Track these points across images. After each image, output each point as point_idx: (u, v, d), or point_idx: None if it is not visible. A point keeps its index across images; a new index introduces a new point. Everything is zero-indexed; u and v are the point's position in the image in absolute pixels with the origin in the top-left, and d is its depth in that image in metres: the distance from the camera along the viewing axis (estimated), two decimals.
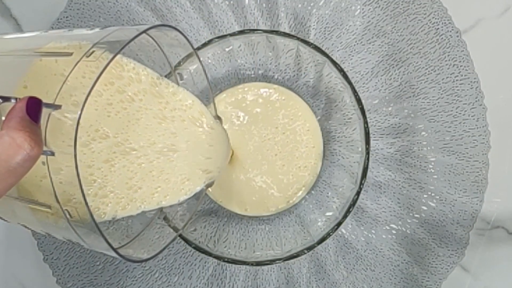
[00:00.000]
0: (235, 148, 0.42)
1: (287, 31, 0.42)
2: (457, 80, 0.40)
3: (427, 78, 0.41)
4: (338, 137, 0.40)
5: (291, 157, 0.41)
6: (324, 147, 0.41)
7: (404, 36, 0.41)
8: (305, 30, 0.42)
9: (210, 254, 0.36)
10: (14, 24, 0.43)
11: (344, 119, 0.39)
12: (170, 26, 0.27)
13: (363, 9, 0.41)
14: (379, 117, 0.41)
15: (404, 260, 0.40)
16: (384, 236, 0.41)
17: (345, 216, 0.36)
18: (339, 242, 0.41)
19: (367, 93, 0.41)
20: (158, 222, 0.35)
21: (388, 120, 0.41)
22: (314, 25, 0.41)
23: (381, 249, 0.41)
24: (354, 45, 0.41)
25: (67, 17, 0.42)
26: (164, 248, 0.30)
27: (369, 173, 0.41)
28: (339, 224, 0.36)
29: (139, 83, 0.31)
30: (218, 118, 0.35)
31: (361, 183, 0.36)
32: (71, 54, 0.22)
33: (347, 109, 0.38)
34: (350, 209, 0.36)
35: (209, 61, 0.40)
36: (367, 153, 0.36)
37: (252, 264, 0.36)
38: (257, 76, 0.42)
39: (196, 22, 0.42)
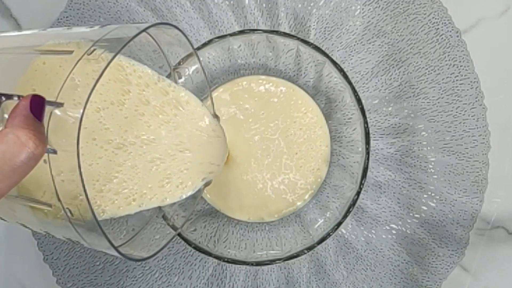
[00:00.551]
0: (236, 148, 0.41)
1: (287, 31, 0.42)
2: (457, 80, 0.40)
3: (427, 78, 0.41)
4: (338, 137, 0.40)
5: (296, 159, 0.41)
6: None
7: (404, 36, 0.41)
8: (305, 30, 0.42)
9: (210, 254, 0.36)
10: (14, 24, 0.43)
11: (344, 119, 0.39)
12: (170, 24, 0.27)
13: (363, 9, 0.41)
14: (379, 117, 0.41)
15: (404, 260, 0.40)
16: (384, 236, 0.41)
17: (345, 216, 0.36)
18: (339, 242, 0.41)
19: (367, 93, 0.41)
20: (157, 221, 0.35)
21: (388, 120, 0.41)
22: (314, 25, 0.41)
23: (381, 249, 0.41)
24: (354, 45, 0.41)
25: (67, 17, 0.42)
26: (163, 247, 0.30)
27: (369, 173, 0.41)
28: (339, 224, 0.36)
29: (139, 83, 0.31)
30: (216, 116, 0.35)
31: (361, 183, 0.36)
32: (71, 52, 0.22)
33: (347, 109, 0.38)
34: (350, 209, 0.36)
35: (209, 61, 0.40)
36: (367, 153, 0.36)
37: (252, 264, 0.36)
38: None
39: (196, 22, 0.42)
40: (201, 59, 0.36)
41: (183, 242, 0.37)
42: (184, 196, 0.33)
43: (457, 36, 0.40)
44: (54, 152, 0.20)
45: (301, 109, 0.41)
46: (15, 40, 0.27)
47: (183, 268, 0.41)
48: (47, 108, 0.20)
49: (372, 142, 0.41)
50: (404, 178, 0.41)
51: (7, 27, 0.43)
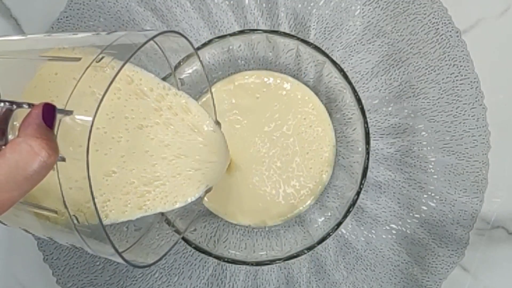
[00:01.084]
0: (238, 152, 0.40)
1: (287, 31, 0.42)
2: (457, 80, 0.40)
3: (427, 78, 0.41)
4: (338, 137, 0.40)
5: (307, 159, 0.40)
6: None
7: (404, 36, 0.41)
8: (305, 30, 0.42)
9: (210, 254, 0.36)
10: (14, 24, 0.43)
11: (344, 119, 0.39)
12: (177, 33, 0.27)
13: (363, 9, 0.41)
14: (379, 117, 0.41)
15: (404, 260, 0.41)
16: (384, 236, 0.41)
17: (345, 216, 0.36)
18: (339, 242, 0.41)
19: (367, 93, 0.41)
20: (160, 226, 0.35)
21: (388, 120, 0.41)
22: (314, 25, 0.41)
23: (381, 249, 0.41)
24: (354, 45, 0.41)
25: (67, 17, 0.42)
26: (167, 252, 0.30)
27: (369, 173, 0.41)
28: (339, 224, 0.36)
29: (144, 92, 0.31)
30: (217, 123, 0.35)
31: (361, 183, 0.36)
32: (79, 59, 0.22)
33: (347, 109, 0.38)
34: (350, 209, 0.36)
35: (209, 61, 0.40)
36: (367, 153, 0.36)
37: (252, 264, 0.36)
38: None
39: (196, 22, 0.42)
40: (201, 59, 0.36)
41: (183, 242, 0.37)
42: (187, 202, 0.33)
43: (457, 36, 0.40)
44: (63, 159, 0.20)
45: (308, 104, 0.40)
46: (20, 44, 0.27)
47: (183, 268, 0.41)
48: (57, 116, 0.20)
49: (372, 142, 0.41)
50: (404, 178, 0.41)
51: (7, 27, 0.43)
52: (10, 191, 0.19)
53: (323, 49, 0.37)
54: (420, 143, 0.41)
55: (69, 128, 0.20)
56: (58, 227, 0.23)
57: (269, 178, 0.40)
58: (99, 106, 0.20)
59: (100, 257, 0.41)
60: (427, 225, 0.40)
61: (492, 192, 0.40)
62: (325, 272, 0.41)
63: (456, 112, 0.40)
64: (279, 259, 0.36)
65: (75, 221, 0.22)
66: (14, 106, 0.21)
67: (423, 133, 0.41)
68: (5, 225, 0.27)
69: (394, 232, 0.41)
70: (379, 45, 0.41)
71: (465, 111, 0.40)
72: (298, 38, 0.36)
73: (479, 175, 0.40)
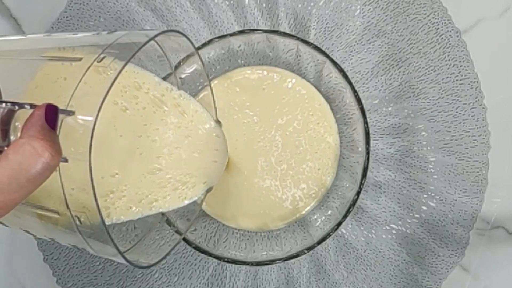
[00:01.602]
0: (239, 152, 0.39)
1: (287, 31, 0.42)
2: (457, 80, 0.40)
3: (427, 78, 0.41)
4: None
5: (311, 162, 0.39)
6: None
7: (404, 36, 0.41)
8: (305, 30, 0.42)
9: (210, 254, 0.36)
10: (14, 24, 0.43)
11: (344, 119, 0.39)
12: (178, 32, 0.27)
13: (363, 9, 0.41)
14: (379, 117, 0.41)
15: (404, 260, 0.41)
16: (384, 236, 0.41)
17: (345, 216, 0.36)
18: (339, 242, 0.41)
19: (367, 93, 0.41)
20: (160, 226, 0.35)
21: (388, 120, 0.41)
22: (314, 25, 0.41)
23: (381, 249, 0.41)
24: (354, 45, 0.41)
25: (67, 17, 0.42)
26: (169, 252, 0.30)
27: (369, 173, 0.41)
28: (339, 224, 0.36)
29: (147, 92, 0.31)
30: (218, 122, 0.35)
31: (361, 183, 0.36)
32: (80, 59, 0.22)
33: (347, 109, 0.38)
34: (350, 209, 0.36)
35: (209, 61, 0.40)
36: (367, 153, 0.36)
37: (252, 264, 0.36)
38: None
39: (196, 22, 0.42)
40: (200, 61, 0.36)
41: (183, 242, 0.37)
42: (186, 202, 0.33)
43: (457, 36, 0.40)
44: (65, 160, 0.20)
45: (314, 100, 0.39)
46: (20, 44, 0.27)
47: (183, 268, 0.41)
48: (59, 117, 0.20)
49: (372, 142, 0.41)
50: (404, 178, 0.41)
51: (7, 27, 0.43)
52: (12, 192, 0.19)
53: (323, 49, 0.37)
54: (420, 143, 0.41)
55: (71, 129, 0.20)
56: (60, 228, 0.23)
57: (277, 179, 0.39)
58: (101, 106, 0.20)
59: (100, 257, 0.41)
60: (427, 225, 0.40)
61: (492, 192, 0.40)
62: (325, 272, 0.41)
63: (456, 112, 0.40)
64: (279, 259, 0.36)
65: (77, 222, 0.22)
66: (16, 107, 0.21)
67: (423, 133, 0.41)
68: (6, 226, 0.27)
69: (394, 232, 0.41)
70: (379, 45, 0.41)
71: (465, 111, 0.40)
72: (298, 38, 0.36)
73: (479, 175, 0.40)
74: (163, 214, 0.34)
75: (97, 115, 0.20)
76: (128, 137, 0.31)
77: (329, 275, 0.41)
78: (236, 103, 0.40)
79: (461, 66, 0.40)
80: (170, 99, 0.32)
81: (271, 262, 0.36)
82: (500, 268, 0.41)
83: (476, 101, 0.40)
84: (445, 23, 0.41)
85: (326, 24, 0.41)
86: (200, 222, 0.40)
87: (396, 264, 0.41)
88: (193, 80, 0.38)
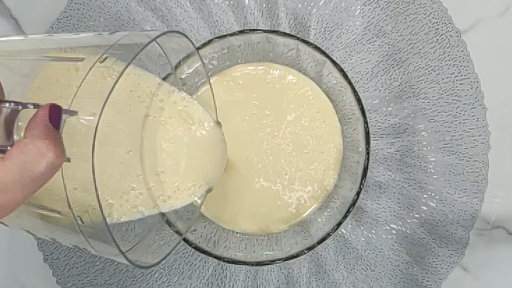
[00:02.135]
0: (240, 155, 0.38)
1: (287, 31, 0.42)
2: (457, 80, 0.40)
3: (427, 78, 0.41)
4: None
5: (311, 163, 0.38)
6: None
7: (404, 36, 0.41)
8: (305, 30, 0.42)
9: (210, 254, 0.36)
10: (14, 24, 0.43)
11: (344, 119, 0.39)
12: (179, 33, 0.27)
13: (363, 9, 0.41)
14: (379, 117, 0.41)
15: (404, 260, 0.41)
16: (384, 236, 0.41)
17: (345, 216, 0.36)
18: (339, 242, 0.41)
19: (367, 93, 0.41)
20: (160, 227, 0.35)
21: (388, 120, 0.41)
22: (314, 25, 0.41)
23: (381, 249, 0.41)
24: (354, 45, 0.41)
25: (67, 17, 0.42)
26: (169, 253, 0.30)
27: (369, 173, 0.41)
28: (339, 224, 0.36)
29: (149, 92, 0.31)
30: (218, 123, 0.35)
31: (361, 183, 0.36)
32: (82, 59, 0.22)
33: (347, 109, 0.38)
34: (350, 209, 0.36)
35: (209, 61, 0.40)
36: (367, 153, 0.36)
37: (252, 264, 0.36)
38: None
39: (196, 22, 0.42)
40: (200, 59, 0.36)
41: (183, 242, 0.37)
42: (187, 203, 0.33)
43: (457, 36, 0.40)
44: (68, 160, 0.20)
45: (319, 98, 0.38)
46: (22, 44, 0.27)
47: (183, 268, 0.41)
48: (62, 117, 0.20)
49: (372, 142, 0.41)
50: (404, 178, 0.41)
51: (7, 27, 0.43)
52: (16, 192, 0.19)
53: (323, 49, 0.37)
54: (420, 143, 0.41)
55: (74, 129, 0.20)
56: (61, 228, 0.23)
57: (285, 181, 0.38)
58: (103, 107, 0.20)
59: (100, 257, 0.41)
60: (427, 225, 0.40)
61: (492, 192, 0.40)
62: (325, 272, 0.41)
63: (456, 112, 0.40)
64: (279, 259, 0.36)
65: (79, 222, 0.22)
66: (20, 107, 0.21)
67: (423, 133, 0.41)
68: (7, 226, 0.27)
69: (394, 232, 0.41)
70: (379, 45, 0.41)
71: (465, 111, 0.40)
72: (298, 38, 0.36)
73: (479, 175, 0.40)
74: (163, 214, 0.34)
75: (100, 115, 0.20)
76: (129, 138, 0.31)
77: (329, 275, 0.41)
78: (239, 98, 0.39)
79: (461, 66, 0.40)
80: (171, 101, 0.32)
81: (271, 262, 0.36)
82: (500, 268, 0.41)
83: (476, 101, 0.40)
84: (445, 23, 0.41)
85: (326, 24, 0.41)
86: (200, 222, 0.40)
87: (396, 264, 0.41)
88: (193, 80, 0.38)
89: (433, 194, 0.40)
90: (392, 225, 0.41)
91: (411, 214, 0.41)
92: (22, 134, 0.20)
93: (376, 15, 0.41)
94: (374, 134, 0.41)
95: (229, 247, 0.39)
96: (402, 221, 0.41)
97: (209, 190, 0.34)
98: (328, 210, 0.39)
